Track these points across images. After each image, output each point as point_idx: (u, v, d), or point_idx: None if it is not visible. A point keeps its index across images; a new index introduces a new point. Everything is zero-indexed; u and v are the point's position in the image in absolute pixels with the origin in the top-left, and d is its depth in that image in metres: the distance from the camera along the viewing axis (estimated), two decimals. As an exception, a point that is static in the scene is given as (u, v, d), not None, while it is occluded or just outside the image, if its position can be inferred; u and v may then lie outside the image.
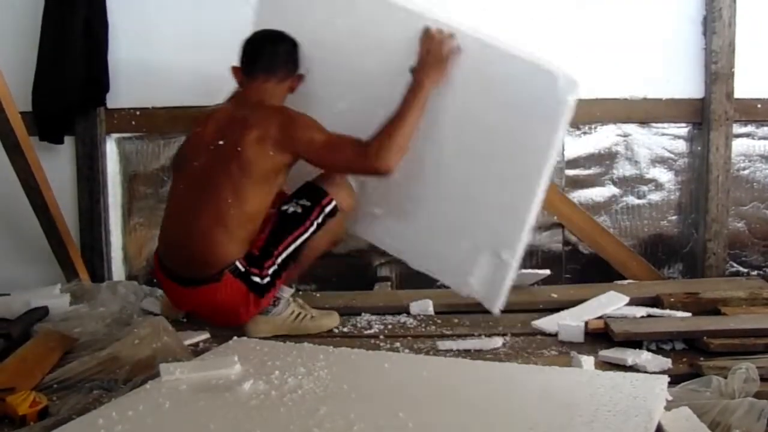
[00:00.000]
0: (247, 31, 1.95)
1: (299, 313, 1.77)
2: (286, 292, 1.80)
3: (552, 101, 1.54)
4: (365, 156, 1.59)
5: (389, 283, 2.23)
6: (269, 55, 1.69)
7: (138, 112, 2.23)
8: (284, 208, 1.70)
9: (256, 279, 1.65)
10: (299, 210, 1.68)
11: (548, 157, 1.58)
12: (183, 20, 2.13)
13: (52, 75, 2.15)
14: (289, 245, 1.67)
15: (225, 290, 1.64)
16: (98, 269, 2.26)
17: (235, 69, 1.73)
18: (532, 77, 1.55)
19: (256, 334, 1.71)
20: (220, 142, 1.66)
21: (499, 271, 1.67)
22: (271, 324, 1.73)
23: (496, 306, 1.70)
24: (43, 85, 2.16)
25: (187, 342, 1.65)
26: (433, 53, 1.59)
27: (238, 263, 1.64)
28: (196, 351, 1.61)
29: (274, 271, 1.67)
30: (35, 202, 2.02)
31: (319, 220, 1.68)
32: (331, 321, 1.80)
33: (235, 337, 1.58)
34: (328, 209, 1.69)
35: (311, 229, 1.68)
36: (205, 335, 1.74)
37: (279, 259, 1.67)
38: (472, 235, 1.69)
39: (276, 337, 1.68)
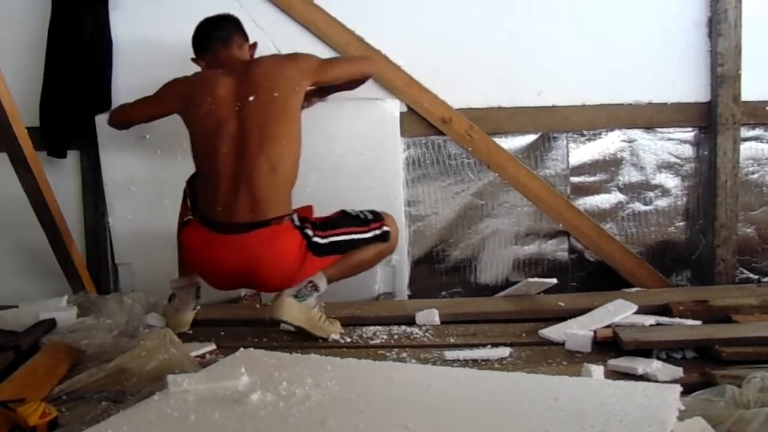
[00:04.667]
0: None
1: (321, 315, 1.80)
2: (323, 286, 1.80)
3: (387, 120, 2.10)
4: (364, 62, 2.00)
5: (393, 293, 2.23)
6: (219, 29, 1.89)
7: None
8: (348, 210, 1.86)
9: (310, 233, 1.76)
10: (362, 216, 1.85)
11: (399, 164, 2.16)
12: (184, 38, 2.14)
13: (57, 91, 2.17)
14: (344, 234, 1.80)
15: (285, 234, 1.73)
16: (104, 281, 2.27)
17: (195, 59, 1.92)
18: (366, 110, 2.10)
19: (283, 316, 1.71)
20: (250, 98, 1.77)
21: (395, 274, 2.19)
22: (301, 312, 1.73)
23: (404, 295, 2.21)
24: (49, 101, 2.18)
25: (194, 353, 1.65)
26: None
27: (294, 216, 1.76)
28: (203, 362, 1.60)
29: (327, 244, 1.78)
30: (42, 216, 2.03)
31: (377, 232, 1.83)
32: (338, 328, 1.83)
33: (241, 348, 1.57)
34: (384, 229, 1.84)
35: (367, 235, 1.82)
36: (212, 347, 1.73)
37: (333, 238, 1.78)
38: (367, 280, 2.10)
39: (284, 347, 1.67)
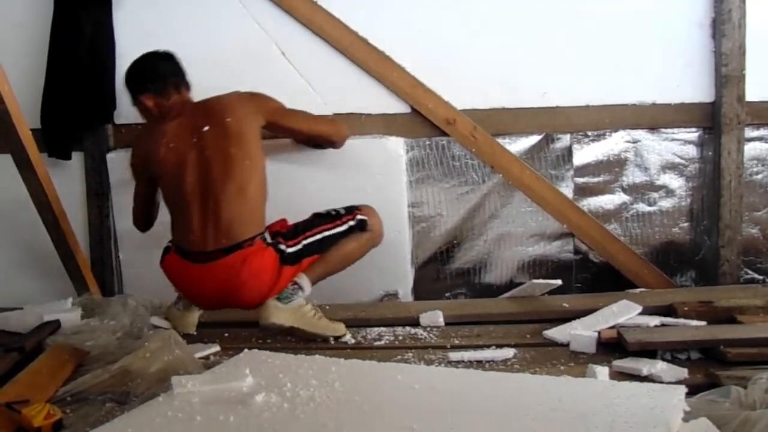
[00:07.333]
0: (249, 50, 1.99)
1: (316, 312, 1.79)
2: (307, 286, 1.79)
3: (391, 158, 2.14)
4: (329, 125, 2.01)
5: (397, 295, 2.22)
6: (174, 74, 1.85)
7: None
8: (320, 211, 1.88)
9: (283, 247, 1.78)
10: (333, 212, 1.86)
11: (404, 204, 2.18)
12: (186, 39, 2.15)
13: (60, 93, 2.18)
14: (316, 234, 1.82)
15: (258, 254, 1.74)
16: (108, 283, 2.28)
17: (141, 97, 1.84)
18: (372, 147, 2.14)
19: (273, 319, 1.70)
20: (205, 129, 1.78)
21: (399, 275, 2.19)
22: (289, 313, 1.73)
23: (409, 297, 2.21)
24: (51, 103, 2.19)
25: (198, 355, 1.65)
26: None
27: (266, 234, 1.78)
28: (207, 364, 1.61)
29: (299, 250, 1.79)
30: (46, 218, 2.04)
31: (352, 223, 1.84)
32: (342, 328, 1.81)
33: (246, 350, 1.58)
34: (359, 218, 1.86)
35: (341, 228, 1.83)
36: (216, 348, 1.74)
37: (305, 242, 1.81)
38: (371, 282, 2.14)
39: (289, 348, 1.67)
